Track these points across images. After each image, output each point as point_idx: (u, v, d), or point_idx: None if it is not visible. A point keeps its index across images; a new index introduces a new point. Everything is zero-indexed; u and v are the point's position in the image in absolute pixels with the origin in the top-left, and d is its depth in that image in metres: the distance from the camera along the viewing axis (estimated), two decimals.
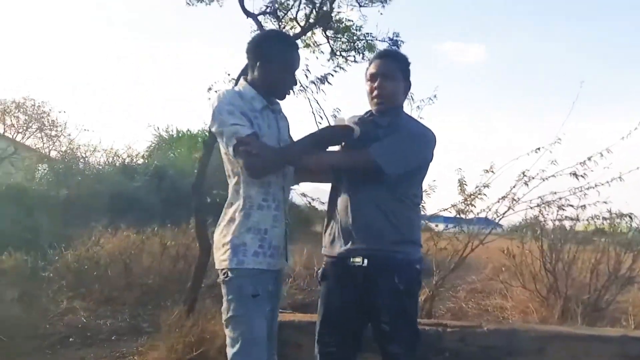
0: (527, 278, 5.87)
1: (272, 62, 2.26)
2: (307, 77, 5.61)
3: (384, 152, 2.24)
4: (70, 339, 4.64)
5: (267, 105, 2.28)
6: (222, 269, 2.20)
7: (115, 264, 6.23)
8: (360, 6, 6.27)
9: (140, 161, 17.28)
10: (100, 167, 15.94)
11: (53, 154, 15.94)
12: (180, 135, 19.76)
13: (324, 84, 5.44)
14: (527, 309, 5.86)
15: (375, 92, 2.37)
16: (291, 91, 2.39)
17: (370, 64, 2.45)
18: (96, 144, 16.10)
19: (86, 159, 15.88)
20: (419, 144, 2.36)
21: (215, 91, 5.49)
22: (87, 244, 6.70)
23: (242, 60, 5.76)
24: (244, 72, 5.43)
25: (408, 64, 2.45)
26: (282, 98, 2.38)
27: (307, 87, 5.55)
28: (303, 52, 6.46)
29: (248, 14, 5.92)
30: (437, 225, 5.90)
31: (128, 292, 5.86)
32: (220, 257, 2.21)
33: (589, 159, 4.65)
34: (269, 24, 6.31)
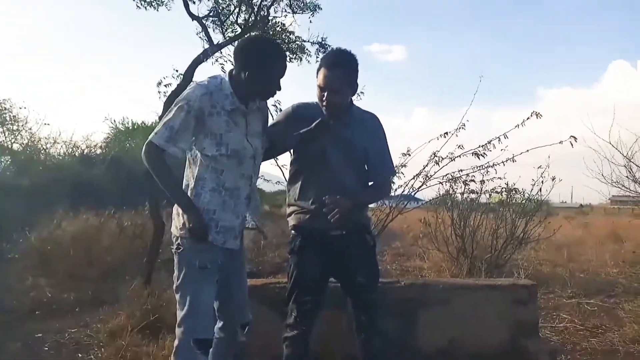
0: (440, 242, 6.12)
1: (255, 70, 2.14)
2: None
3: (387, 164, 2.50)
4: (37, 312, 4.50)
5: (238, 107, 2.17)
6: (175, 237, 2.17)
7: (77, 244, 6.03)
8: (294, 13, 6.32)
9: (99, 151, 16.66)
10: (61, 158, 15.23)
11: (15, 146, 15.07)
12: (135, 126, 19.16)
13: None
14: (441, 268, 6.13)
15: (324, 103, 2.36)
16: (275, 95, 2.29)
17: (319, 70, 2.36)
18: (56, 136, 15.30)
19: (47, 150, 15.13)
20: (383, 133, 2.53)
21: (165, 85, 5.41)
22: (49, 227, 6.46)
23: (188, 58, 5.68)
24: (190, 69, 5.43)
25: (355, 70, 2.39)
26: (263, 99, 2.32)
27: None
28: None
29: (193, 17, 5.83)
30: None
31: (90, 270, 5.70)
32: (175, 224, 2.17)
33: (489, 142, 4.83)
34: (212, 27, 6.26)
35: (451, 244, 6.04)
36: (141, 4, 5.81)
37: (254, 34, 5.76)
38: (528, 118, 4.67)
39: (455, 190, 5.54)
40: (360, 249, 2.44)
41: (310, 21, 6.30)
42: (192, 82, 2.20)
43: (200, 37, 5.99)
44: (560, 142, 4.38)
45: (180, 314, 2.12)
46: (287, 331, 2.44)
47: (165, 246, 5.83)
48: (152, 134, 2.09)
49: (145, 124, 18.67)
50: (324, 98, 2.35)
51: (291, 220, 2.51)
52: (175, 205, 2.19)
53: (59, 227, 6.52)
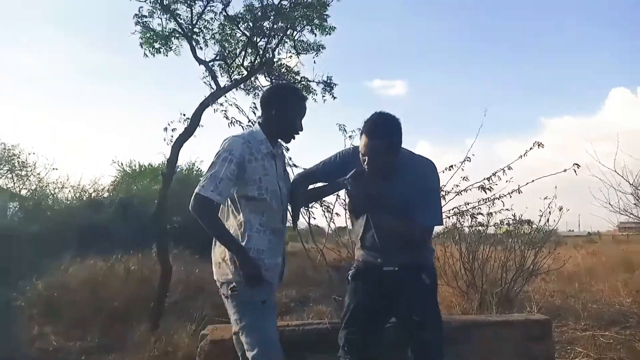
0: (450, 277, 6.01)
1: (286, 109, 2.34)
2: (254, 113, 5.63)
3: (429, 211, 2.40)
4: None
5: (272, 150, 2.33)
6: (228, 282, 2.24)
7: (84, 290, 5.97)
8: (298, 54, 6.43)
9: (106, 195, 16.69)
10: (68, 202, 15.24)
11: (23, 192, 15.13)
12: (142, 169, 19.27)
13: None
14: (451, 303, 5.99)
15: (366, 167, 2.37)
16: (297, 135, 2.44)
17: (361, 134, 2.36)
18: (64, 181, 15.37)
19: (55, 195, 15.17)
20: (433, 180, 2.47)
21: (172, 129, 5.46)
22: (57, 274, 6.40)
23: (193, 102, 5.74)
24: (198, 112, 5.48)
25: (398, 135, 2.35)
26: (288, 141, 2.46)
27: (254, 122, 5.55)
28: (249, 96, 6.57)
29: (200, 61, 5.94)
30: None
31: (96, 315, 5.61)
32: (224, 271, 2.25)
33: (494, 174, 4.82)
34: (219, 70, 6.37)
35: (460, 278, 5.94)
36: (150, 51, 5.92)
37: (277, 81, 5.88)
38: (531, 148, 4.68)
39: (462, 223, 5.51)
40: (414, 287, 2.43)
41: (315, 61, 6.40)
42: (228, 137, 2.31)
43: (205, 82, 6.08)
44: (564, 170, 4.38)
45: (251, 354, 2.18)
46: None
47: (172, 289, 5.79)
48: (199, 186, 2.21)
49: (152, 166, 18.78)
50: (366, 163, 2.37)
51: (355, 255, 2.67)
52: (220, 251, 2.29)
53: (66, 273, 6.47)
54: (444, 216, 5.21)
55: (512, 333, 3.21)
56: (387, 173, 2.39)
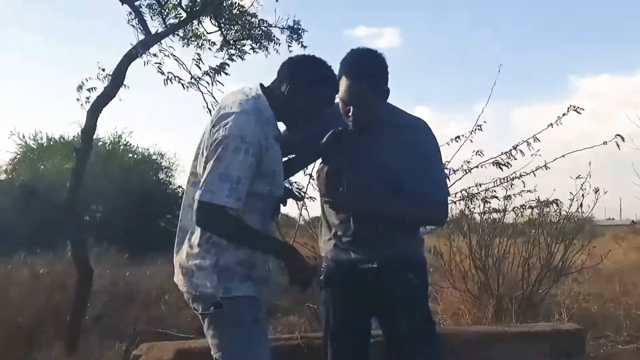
0: (457, 278, 6.09)
1: (324, 94, 2.30)
2: (199, 67, 5.53)
3: (438, 187, 2.42)
4: None
5: (279, 134, 2.27)
6: (207, 298, 2.18)
7: None
8: None
9: (2, 177, 16.41)
10: None
11: None
12: (52, 143, 18.89)
13: (219, 74, 5.36)
14: (459, 311, 6.09)
15: (350, 119, 2.35)
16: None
17: (340, 77, 2.35)
18: None
19: None
20: (430, 146, 2.46)
21: (89, 89, 5.35)
22: None
23: (116, 56, 5.62)
24: (121, 67, 5.38)
25: (384, 75, 2.40)
26: (294, 130, 2.41)
27: (199, 78, 5.47)
28: (191, 47, 6.45)
29: (123, 0, 5.81)
30: None
31: None
32: (201, 282, 2.18)
33: (515, 147, 4.86)
34: (148, 12, 6.23)
35: (470, 280, 6.02)
36: None
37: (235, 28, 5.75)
38: (564, 114, 4.72)
39: (472, 210, 5.57)
40: (398, 290, 2.41)
41: (277, 0, 6.31)
42: (229, 114, 2.15)
43: (132, 26, 5.92)
44: (604, 143, 4.44)
45: None
46: None
47: (94, 299, 5.75)
48: (205, 192, 2.06)
49: (64, 139, 18.45)
50: (350, 113, 2.34)
51: (321, 251, 2.66)
52: (193, 255, 2.21)
53: None
54: (449, 201, 5.31)
55: (537, 347, 3.29)
56: (376, 129, 2.39)
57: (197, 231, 2.21)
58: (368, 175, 2.39)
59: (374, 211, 2.37)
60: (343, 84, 2.33)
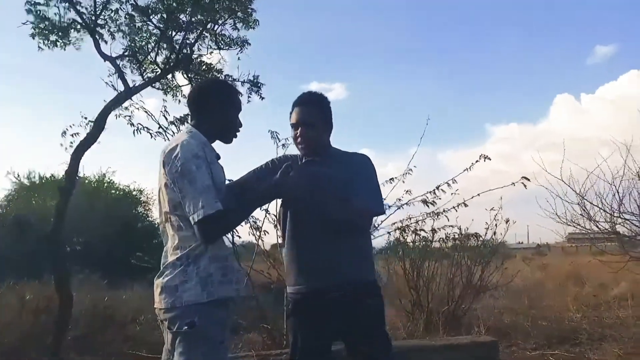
0: (393, 296, 6.08)
1: (224, 105, 2.29)
2: (166, 118, 5.44)
3: (371, 197, 2.39)
4: None
5: (217, 154, 2.27)
6: (180, 316, 2.07)
7: None
8: (220, 49, 6.35)
9: None
10: None
11: None
12: (43, 181, 18.32)
13: (183, 124, 5.29)
14: (395, 326, 6.06)
15: (299, 140, 2.41)
16: (238, 133, 2.38)
17: (292, 111, 2.46)
18: None
19: None
20: (372, 171, 2.49)
21: (72, 134, 5.22)
22: None
23: (98, 104, 5.49)
24: (103, 115, 5.27)
25: (327, 106, 2.49)
26: (230, 141, 2.36)
27: (167, 128, 5.39)
28: (167, 95, 6.38)
29: (105, 57, 5.73)
30: None
31: None
32: (187, 294, 2.07)
33: (438, 187, 4.97)
34: (129, 67, 6.17)
35: (405, 298, 6.02)
36: (45, 44, 5.64)
37: (200, 79, 5.72)
38: (477, 161, 4.86)
39: (405, 238, 5.61)
40: (360, 312, 2.35)
41: (239, 58, 6.32)
42: (176, 147, 2.12)
43: (107, 83, 5.80)
44: (513, 184, 4.55)
45: None
46: None
47: (75, 321, 5.51)
48: (199, 212, 2.02)
49: (54, 177, 17.91)
50: (298, 134, 2.39)
51: (287, 280, 2.53)
52: (176, 274, 2.11)
53: None
54: (385, 231, 5.34)
55: (459, 357, 3.28)
56: (323, 157, 2.42)
57: (175, 252, 2.15)
58: (318, 185, 2.35)
59: (320, 196, 2.32)
60: (294, 112, 2.42)
